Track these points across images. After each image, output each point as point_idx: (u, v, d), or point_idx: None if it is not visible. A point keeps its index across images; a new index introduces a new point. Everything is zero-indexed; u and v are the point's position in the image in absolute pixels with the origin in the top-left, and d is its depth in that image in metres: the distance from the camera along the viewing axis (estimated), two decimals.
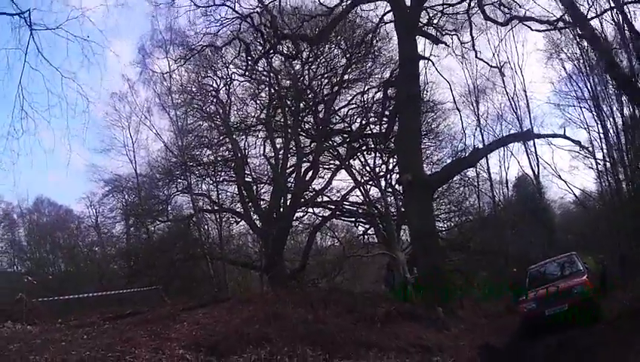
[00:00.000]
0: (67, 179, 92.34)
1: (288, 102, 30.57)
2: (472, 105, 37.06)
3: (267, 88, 31.52)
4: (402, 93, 23.66)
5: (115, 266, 38.65)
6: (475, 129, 36.34)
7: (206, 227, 34.41)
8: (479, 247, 33.05)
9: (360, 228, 32.98)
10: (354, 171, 28.40)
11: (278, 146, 30.32)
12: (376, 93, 30.40)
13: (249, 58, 29.04)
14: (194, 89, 31.58)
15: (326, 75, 31.44)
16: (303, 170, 30.37)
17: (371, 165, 29.02)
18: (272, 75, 30.39)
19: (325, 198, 31.40)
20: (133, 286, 29.63)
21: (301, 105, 30.00)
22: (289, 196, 29.69)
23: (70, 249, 42.53)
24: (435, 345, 14.01)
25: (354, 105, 31.40)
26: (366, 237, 32.90)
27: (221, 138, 32.02)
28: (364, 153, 29.64)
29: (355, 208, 30.78)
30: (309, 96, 30.61)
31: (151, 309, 21.02)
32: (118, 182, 37.66)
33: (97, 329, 16.09)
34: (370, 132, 29.37)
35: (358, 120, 31.19)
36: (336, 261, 31.38)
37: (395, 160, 28.18)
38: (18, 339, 14.40)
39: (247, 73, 30.38)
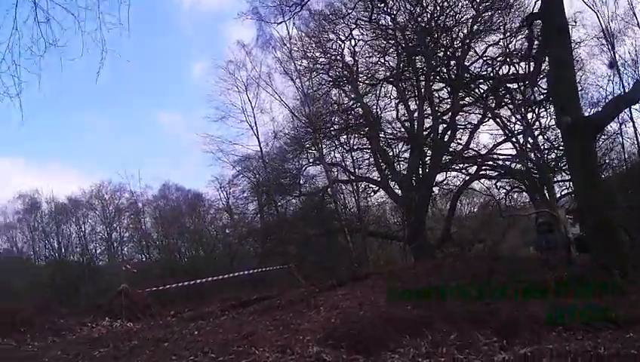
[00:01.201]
0: (192, 163, 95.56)
1: (418, 60, 29.46)
2: (607, 47, 34.30)
3: (394, 47, 31.51)
4: (550, 25, 22.34)
5: (249, 247, 39.63)
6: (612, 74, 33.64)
7: (342, 198, 34.09)
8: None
9: (501, 190, 32.04)
10: (502, 120, 26.92)
11: (411, 107, 29.40)
12: (511, 36, 28.39)
13: (372, 15, 28.23)
14: (317, 53, 31.31)
15: (454, 28, 30.60)
16: (440, 129, 30.11)
17: (522, 112, 27.46)
18: (397, 32, 30.55)
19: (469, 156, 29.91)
20: (265, 265, 29.77)
21: (432, 60, 28.82)
22: (427, 159, 28.74)
23: (199, 233, 43.86)
24: (622, 316, 11.25)
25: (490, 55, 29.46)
26: (510, 197, 32.24)
27: (350, 103, 31.42)
28: (512, 99, 27.96)
29: (504, 163, 29.12)
30: (441, 48, 29.35)
31: (281, 292, 20.03)
32: (247, 161, 38.17)
33: (214, 321, 14.76)
34: (515, 75, 27.80)
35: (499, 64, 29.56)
36: (483, 225, 30.26)
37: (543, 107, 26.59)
38: (109, 341, 13.10)
39: (371, 29, 29.33)
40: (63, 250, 54.74)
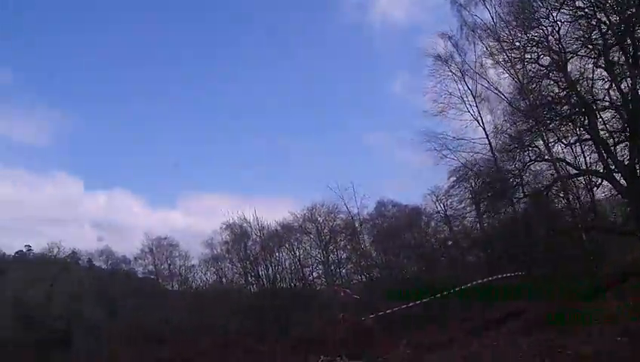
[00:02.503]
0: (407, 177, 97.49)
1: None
2: None
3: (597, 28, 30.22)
4: None
5: (471, 257, 39.86)
6: None
7: (570, 195, 33.22)
8: None
9: None
10: None
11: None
12: None
13: None
14: (523, 41, 30.95)
15: None
16: None
17: None
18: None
19: None
20: (492, 275, 29.73)
21: None
22: None
23: (420, 248, 45.02)
24: None
25: None
26: None
27: (562, 92, 30.50)
28: None
29: None
30: None
31: (529, 305, 18.91)
32: (464, 169, 38.42)
33: (460, 351, 13.63)
34: None
35: None
36: None
37: None
38: None
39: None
40: (278, 277, 58.14)
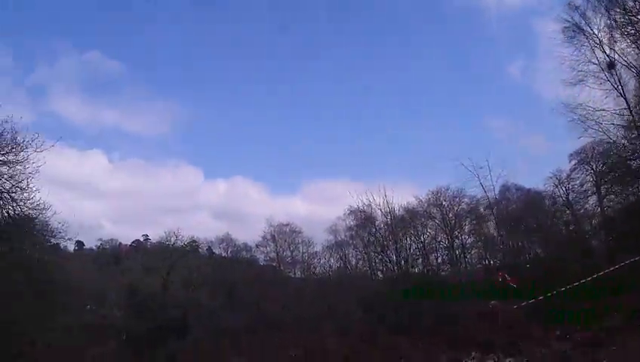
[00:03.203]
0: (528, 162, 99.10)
1: None
2: None
3: None
4: None
5: (595, 242, 40.05)
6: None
7: None
8: None
9: None
10: None
11: None
12: None
13: None
14: None
15: None
16: None
17: None
18: None
19: None
20: (618, 260, 29.77)
21: None
22: None
23: (546, 232, 45.34)
24: None
25: None
26: None
27: None
28: None
29: None
30: None
31: None
32: (587, 151, 38.34)
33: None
34: None
35: None
36: None
37: None
38: None
39: None
40: (403, 263, 58.32)
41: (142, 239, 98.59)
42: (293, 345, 41.35)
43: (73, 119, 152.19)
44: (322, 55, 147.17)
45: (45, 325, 39.86)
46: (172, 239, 73.83)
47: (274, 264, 74.17)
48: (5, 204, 29.20)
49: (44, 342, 42.87)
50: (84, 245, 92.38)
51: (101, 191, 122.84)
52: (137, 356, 49.89)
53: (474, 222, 58.84)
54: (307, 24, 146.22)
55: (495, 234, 55.85)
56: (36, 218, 31.20)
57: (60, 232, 33.49)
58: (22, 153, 29.17)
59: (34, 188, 29.59)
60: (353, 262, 66.47)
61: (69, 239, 35.24)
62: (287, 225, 72.00)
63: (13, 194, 29.45)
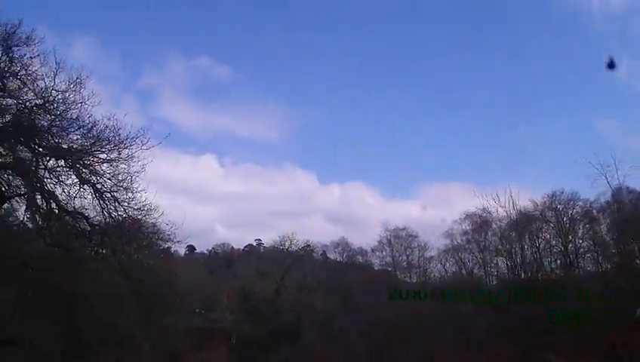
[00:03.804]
0: None
1: None
2: None
3: None
4: None
5: None
6: None
7: None
8: None
9: None
10: None
11: None
12: None
13: None
14: None
15: None
16: None
17: None
18: None
19: None
20: None
21: None
22: None
23: None
24: None
25: None
26: None
27: None
28: None
29: None
30: None
31: None
32: None
33: None
34: None
35: None
36: None
37: None
38: None
39: None
40: (518, 269, 56.75)
41: (254, 243, 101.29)
42: (409, 351, 40.84)
43: (181, 124, 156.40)
44: (432, 56, 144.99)
45: (151, 329, 40.01)
46: (286, 243, 76.92)
47: (389, 269, 75.55)
48: (107, 204, 29.52)
49: (151, 345, 44.31)
50: (195, 249, 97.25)
51: (214, 196, 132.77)
52: (249, 360, 51.25)
53: (587, 226, 58.30)
54: (421, 26, 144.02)
55: (608, 238, 54.24)
56: (141, 219, 31.69)
57: (168, 235, 33.90)
58: (126, 150, 27.62)
59: (139, 188, 29.98)
60: (469, 267, 66.59)
61: (179, 242, 35.53)
62: (403, 229, 73.76)
63: (115, 194, 29.97)
